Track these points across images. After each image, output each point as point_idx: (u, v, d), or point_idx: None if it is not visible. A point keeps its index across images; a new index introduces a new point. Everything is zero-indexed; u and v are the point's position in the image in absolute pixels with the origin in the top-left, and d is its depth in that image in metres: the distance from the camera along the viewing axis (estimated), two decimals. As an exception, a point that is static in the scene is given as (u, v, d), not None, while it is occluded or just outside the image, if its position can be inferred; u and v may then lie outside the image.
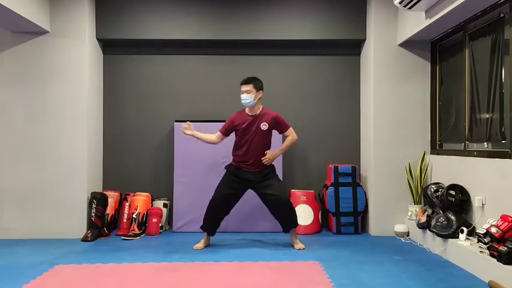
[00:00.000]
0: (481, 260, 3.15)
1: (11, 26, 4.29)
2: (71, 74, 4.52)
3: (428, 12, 3.93)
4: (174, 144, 4.78)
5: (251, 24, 4.81)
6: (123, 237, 4.43)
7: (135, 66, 5.05)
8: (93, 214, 4.46)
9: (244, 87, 4.00)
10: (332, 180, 4.69)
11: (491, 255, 3.06)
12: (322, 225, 4.84)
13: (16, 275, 3.23)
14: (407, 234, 4.48)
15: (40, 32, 4.46)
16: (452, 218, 3.66)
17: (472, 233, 3.55)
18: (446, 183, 4.01)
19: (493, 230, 3.13)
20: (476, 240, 3.36)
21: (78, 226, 4.48)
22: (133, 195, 4.75)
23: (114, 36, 4.79)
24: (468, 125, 3.96)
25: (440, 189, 4.04)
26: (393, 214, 4.60)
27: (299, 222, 4.27)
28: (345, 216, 4.66)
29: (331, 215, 4.70)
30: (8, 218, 4.46)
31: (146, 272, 3.30)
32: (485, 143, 3.74)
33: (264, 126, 4.01)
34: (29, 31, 4.43)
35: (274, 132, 4.13)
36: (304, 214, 4.66)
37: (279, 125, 4.09)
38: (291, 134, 4.12)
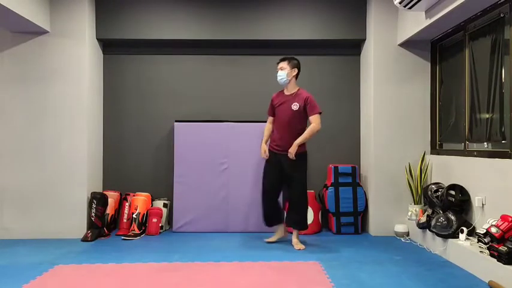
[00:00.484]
0: (481, 260, 3.15)
1: (11, 26, 4.29)
2: (71, 74, 4.52)
3: (428, 12, 3.92)
4: (174, 144, 4.77)
5: (251, 24, 4.81)
6: (123, 237, 4.43)
7: (135, 66, 5.05)
8: (93, 214, 4.46)
9: (279, 65, 4.03)
10: (332, 180, 4.69)
11: (491, 255, 3.06)
12: (322, 225, 4.84)
13: (16, 275, 3.23)
14: (408, 234, 4.48)
15: (40, 32, 4.46)
16: (452, 218, 3.66)
17: (472, 233, 3.55)
18: (446, 183, 4.01)
19: (493, 230, 3.13)
20: (476, 240, 3.36)
21: (78, 226, 4.48)
22: (134, 195, 4.75)
23: (114, 36, 4.79)
24: (468, 125, 3.96)
25: (440, 189, 4.04)
26: (393, 214, 4.60)
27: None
28: (345, 216, 4.67)
29: (331, 215, 4.70)
30: (8, 218, 4.46)
31: (146, 272, 3.30)
32: (485, 143, 3.73)
33: (295, 106, 3.94)
34: (29, 31, 4.43)
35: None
36: (304, 214, 4.67)
37: (307, 107, 3.92)
38: (314, 121, 3.92)
